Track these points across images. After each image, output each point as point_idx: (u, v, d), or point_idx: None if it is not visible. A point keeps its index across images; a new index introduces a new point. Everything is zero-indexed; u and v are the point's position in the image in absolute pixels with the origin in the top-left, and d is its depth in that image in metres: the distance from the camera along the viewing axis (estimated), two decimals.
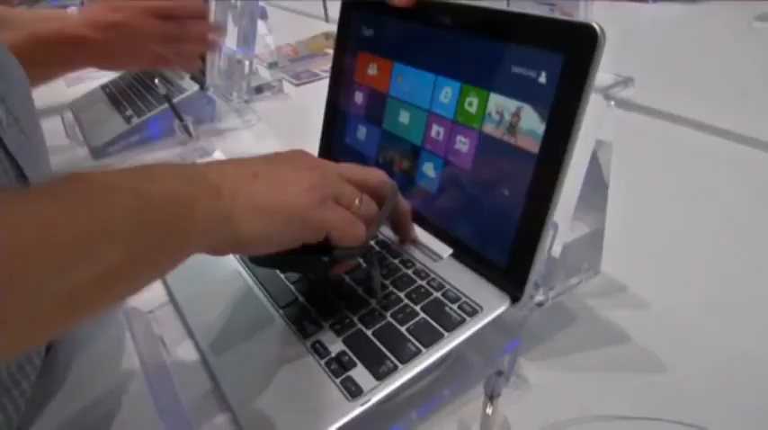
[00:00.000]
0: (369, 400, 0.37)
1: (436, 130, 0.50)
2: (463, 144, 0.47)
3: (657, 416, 0.39)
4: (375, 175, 0.47)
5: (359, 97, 0.59)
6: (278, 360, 0.42)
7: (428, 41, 0.50)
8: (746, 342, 0.45)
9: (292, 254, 0.40)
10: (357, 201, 0.43)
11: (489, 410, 0.33)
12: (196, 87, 0.96)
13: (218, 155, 0.86)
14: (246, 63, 1.00)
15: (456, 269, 0.46)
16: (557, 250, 0.48)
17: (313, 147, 0.70)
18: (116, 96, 1.06)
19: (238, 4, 1.01)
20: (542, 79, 0.40)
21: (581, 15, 0.79)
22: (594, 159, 0.48)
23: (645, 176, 0.67)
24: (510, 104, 0.43)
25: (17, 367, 0.44)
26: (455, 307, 0.42)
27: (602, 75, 0.89)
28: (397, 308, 0.43)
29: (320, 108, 0.65)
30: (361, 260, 0.47)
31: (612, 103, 0.47)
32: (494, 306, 0.42)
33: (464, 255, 0.47)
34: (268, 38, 1.04)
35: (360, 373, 0.39)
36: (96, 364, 0.49)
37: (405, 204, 0.49)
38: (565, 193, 0.46)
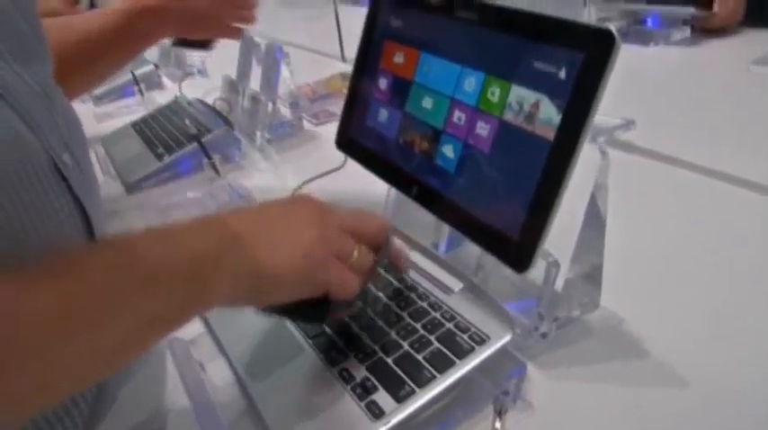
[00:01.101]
0: (390, 421, 0.42)
1: (458, 116, 0.54)
2: (483, 129, 0.51)
3: None
4: (374, 225, 0.52)
5: (383, 83, 0.64)
6: (309, 385, 0.47)
7: (456, 34, 0.55)
8: (738, 372, 0.49)
9: (292, 305, 0.46)
10: (355, 253, 0.48)
11: (498, 425, 0.38)
12: (223, 127, 1.02)
13: (234, 188, 0.92)
14: (269, 104, 1.07)
15: (466, 300, 0.51)
16: (559, 285, 0.54)
17: (333, 183, 0.75)
18: (146, 134, 1.13)
19: (262, 46, 1.08)
20: (562, 75, 0.44)
21: None
22: (593, 201, 0.53)
23: (644, 216, 0.72)
24: (530, 96, 0.47)
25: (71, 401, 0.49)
26: (465, 337, 0.47)
27: (605, 117, 0.95)
28: (414, 337, 0.48)
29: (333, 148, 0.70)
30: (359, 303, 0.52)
31: (608, 151, 0.52)
32: (500, 336, 0.47)
33: (477, 230, 0.51)
34: (288, 79, 1.10)
35: (382, 397, 0.44)
36: (143, 388, 0.54)
37: (397, 245, 0.55)
38: (566, 232, 0.52)
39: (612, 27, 0.42)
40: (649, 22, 1.40)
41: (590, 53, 0.42)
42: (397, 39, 0.62)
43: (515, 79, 0.49)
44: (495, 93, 0.51)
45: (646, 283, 0.61)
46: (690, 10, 1.34)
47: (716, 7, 1.37)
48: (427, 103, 0.58)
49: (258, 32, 1.11)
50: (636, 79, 1.17)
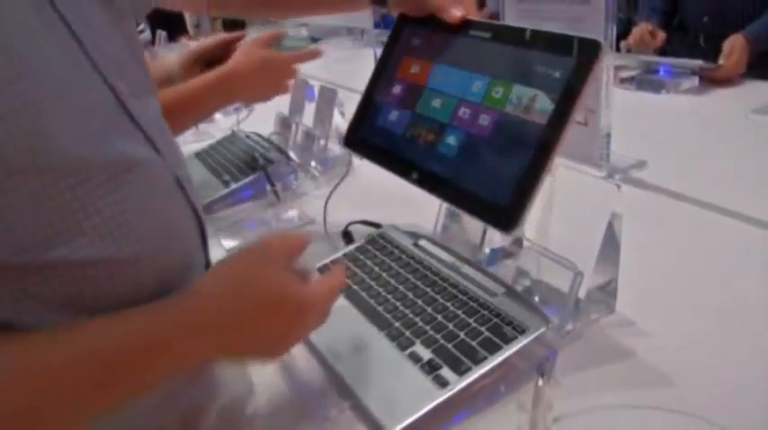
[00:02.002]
0: (454, 388, 0.55)
1: (463, 111, 0.65)
2: (485, 120, 0.63)
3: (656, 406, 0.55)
4: (289, 244, 0.55)
5: (397, 89, 0.74)
6: (386, 364, 0.60)
7: (467, 49, 0.67)
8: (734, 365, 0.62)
9: None
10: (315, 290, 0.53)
11: (541, 382, 0.50)
12: (283, 158, 1.16)
13: (293, 213, 1.05)
14: (322, 140, 1.21)
15: (508, 301, 0.64)
16: (582, 293, 0.66)
17: (375, 212, 0.88)
18: (209, 162, 1.28)
19: (316, 88, 1.23)
20: (557, 75, 0.57)
21: (602, 109, 0.97)
22: (610, 226, 0.66)
23: (653, 243, 0.85)
24: (529, 92, 0.59)
25: None
26: (509, 328, 0.60)
27: (620, 157, 1.08)
28: (468, 328, 0.61)
29: (382, 181, 0.80)
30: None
31: (622, 186, 0.65)
32: (537, 327, 0.60)
33: (471, 202, 0.61)
34: (340, 119, 1.24)
35: (445, 372, 0.57)
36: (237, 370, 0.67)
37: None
38: (587, 251, 0.65)
39: (600, 39, 0.55)
40: (661, 72, 1.54)
41: (580, 56, 0.55)
42: (414, 54, 0.74)
43: (518, 80, 0.61)
44: (498, 92, 0.63)
45: (654, 294, 0.74)
46: (698, 62, 1.48)
47: (721, 60, 1.51)
48: (437, 103, 0.69)
49: (308, 74, 1.26)
50: (648, 124, 1.31)
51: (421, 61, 0.72)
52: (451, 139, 0.66)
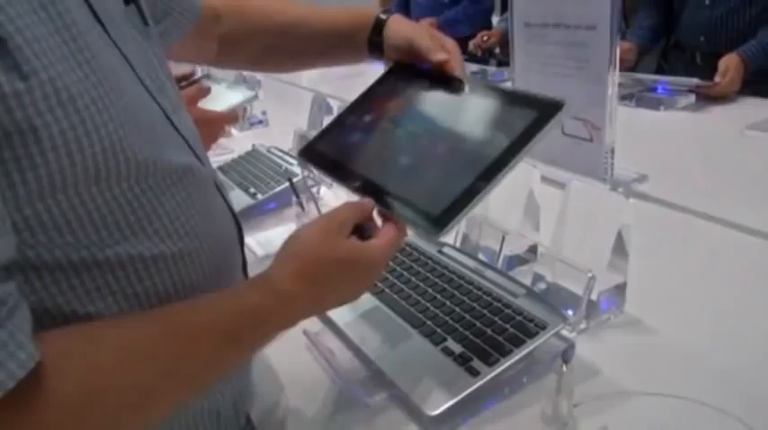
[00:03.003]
0: (485, 376, 0.62)
1: (425, 139, 0.66)
2: (442, 148, 0.63)
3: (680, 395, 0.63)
4: (351, 209, 0.59)
5: (367, 117, 0.74)
6: (422, 358, 0.67)
7: (444, 95, 0.70)
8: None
9: None
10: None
11: (565, 368, 0.57)
12: (306, 171, 1.24)
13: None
14: None
15: (528, 302, 0.71)
16: (594, 295, 0.74)
17: None
18: (233, 175, 1.35)
19: (335, 107, 1.31)
20: (519, 122, 0.58)
21: (607, 126, 1.04)
22: (620, 236, 0.74)
23: (655, 251, 0.92)
24: (489, 131, 0.62)
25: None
26: (532, 324, 0.67)
27: (623, 171, 1.16)
28: (494, 325, 0.68)
29: None
30: None
31: (631, 199, 0.73)
32: (556, 324, 0.67)
33: (406, 207, 0.60)
34: None
35: (476, 363, 0.64)
36: (284, 365, 0.74)
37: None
38: (597, 257, 0.72)
39: (564, 100, 0.58)
40: (659, 90, 1.62)
41: (544, 110, 0.58)
42: (394, 93, 0.75)
43: (483, 123, 0.64)
44: (462, 128, 0.65)
45: (659, 295, 0.81)
46: (694, 80, 1.56)
47: (717, 78, 1.59)
48: (400, 131, 0.69)
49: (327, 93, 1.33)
50: (648, 139, 1.39)
51: (398, 100, 0.75)
52: (403, 158, 0.67)
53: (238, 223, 0.65)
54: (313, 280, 0.54)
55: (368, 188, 0.64)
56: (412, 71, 0.75)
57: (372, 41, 0.78)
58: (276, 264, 0.55)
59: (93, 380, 0.42)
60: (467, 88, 0.69)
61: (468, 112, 0.67)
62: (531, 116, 0.58)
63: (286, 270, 0.54)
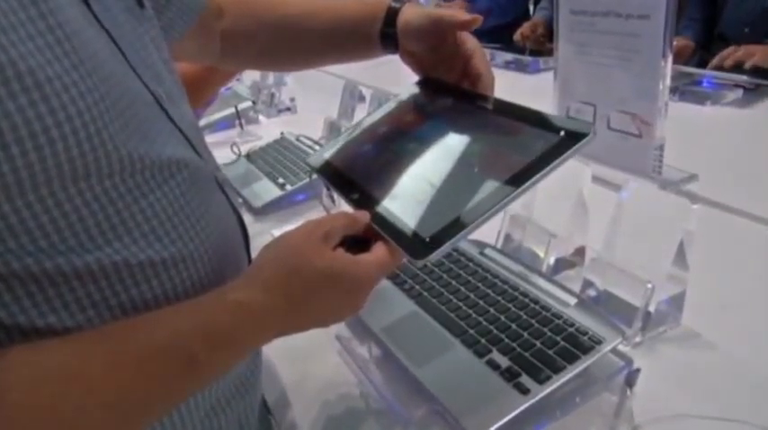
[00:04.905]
0: (537, 395, 0.57)
1: (436, 158, 0.61)
2: (448, 169, 0.58)
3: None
4: (343, 221, 0.53)
5: (382, 129, 0.71)
6: (466, 371, 0.62)
7: (466, 112, 0.65)
8: None
9: None
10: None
11: (629, 393, 0.52)
12: None
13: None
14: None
15: (581, 312, 0.66)
16: (651, 307, 0.68)
17: None
18: (262, 165, 1.31)
19: (368, 95, 1.26)
20: (539, 145, 0.52)
21: (658, 121, 0.98)
22: (681, 246, 0.68)
23: (709, 257, 0.86)
24: (504, 152, 0.57)
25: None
26: (586, 338, 0.62)
27: (671, 170, 1.10)
28: (544, 337, 0.63)
29: None
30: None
31: (696, 205, 0.67)
32: (612, 338, 0.62)
33: (394, 226, 0.55)
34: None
35: (525, 379, 0.59)
36: (315, 372, 0.70)
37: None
38: (655, 264, 0.67)
39: (591, 127, 0.52)
40: (705, 83, 1.55)
41: (567, 135, 0.52)
42: (413, 108, 0.71)
43: (498, 144, 0.59)
44: (475, 150, 0.59)
45: (717, 306, 0.76)
46: (742, 77, 1.49)
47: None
48: (413, 148, 0.64)
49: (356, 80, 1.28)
50: (694, 136, 1.32)
51: (416, 114, 0.71)
52: (409, 177, 0.62)
53: (242, 222, 0.61)
54: (288, 291, 0.47)
55: (365, 202, 0.59)
56: (437, 87, 0.71)
57: (385, 33, 0.72)
58: (248, 271, 0.50)
59: (28, 414, 0.38)
60: (490, 106, 0.64)
61: (486, 134, 0.61)
62: (554, 139, 0.52)
63: (258, 278, 0.48)
